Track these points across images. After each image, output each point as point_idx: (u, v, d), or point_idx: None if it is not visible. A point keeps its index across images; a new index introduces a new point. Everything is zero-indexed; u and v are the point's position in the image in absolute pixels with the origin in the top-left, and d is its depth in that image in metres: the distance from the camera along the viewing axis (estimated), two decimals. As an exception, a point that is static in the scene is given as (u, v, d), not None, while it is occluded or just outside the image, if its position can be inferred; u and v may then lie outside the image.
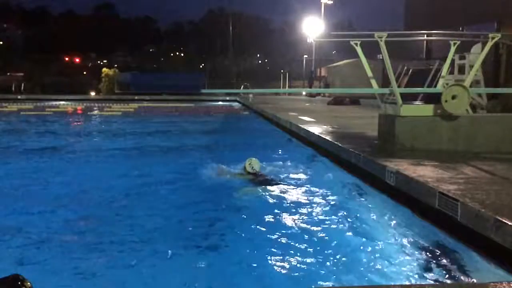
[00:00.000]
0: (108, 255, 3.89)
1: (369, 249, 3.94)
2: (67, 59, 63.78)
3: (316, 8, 43.48)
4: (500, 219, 3.23)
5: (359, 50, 6.83)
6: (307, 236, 4.29)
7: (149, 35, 74.62)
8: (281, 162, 7.68)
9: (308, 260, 3.74)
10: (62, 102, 27.77)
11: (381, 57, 7.37)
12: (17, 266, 3.60)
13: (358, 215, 4.89)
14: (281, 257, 3.80)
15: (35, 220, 4.76)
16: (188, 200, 5.59)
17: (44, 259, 3.80)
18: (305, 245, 4.08)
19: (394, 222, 4.55)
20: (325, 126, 10.29)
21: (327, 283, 3.37)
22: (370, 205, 5.19)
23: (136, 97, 31.33)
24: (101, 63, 62.58)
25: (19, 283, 1.84)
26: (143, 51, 72.08)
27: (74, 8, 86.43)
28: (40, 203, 5.40)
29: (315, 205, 5.33)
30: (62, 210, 5.13)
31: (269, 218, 4.82)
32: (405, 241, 4.07)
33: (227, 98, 30.45)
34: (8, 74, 40.24)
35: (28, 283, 1.86)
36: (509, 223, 3.15)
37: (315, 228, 4.53)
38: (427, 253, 3.76)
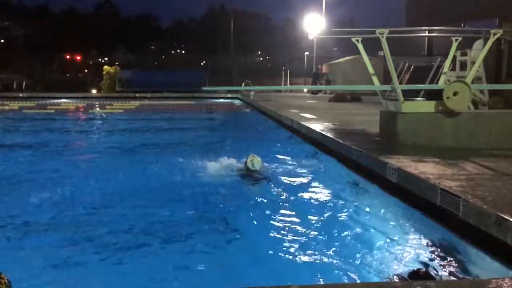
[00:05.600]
0: (107, 252, 3.89)
1: (370, 246, 3.94)
2: (68, 57, 63.75)
3: (317, 5, 43.42)
4: (502, 215, 3.23)
5: (360, 46, 6.81)
6: (307, 233, 4.29)
7: (150, 32, 74.47)
8: (282, 159, 7.69)
9: (308, 257, 3.75)
10: (63, 100, 27.78)
11: (382, 54, 7.36)
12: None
13: (359, 212, 4.89)
14: (281, 254, 3.81)
15: (32, 217, 4.78)
16: (188, 197, 5.59)
17: (30, 254, 3.82)
18: (305, 241, 4.08)
19: (396, 219, 4.55)
20: (327, 123, 10.28)
21: (323, 279, 3.37)
22: (371, 202, 5.19)
23: (137, 95, 31.33)
24: (102, 61, 62.59)
25: None
26: (144, 48, 72.01)
27: (75, 6, 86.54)
28: (40, 200, 5.41)
29: (315, 202, 5.34)
30: (60, 208, 5.14)
31: (269, 214, 4.83)
32: (406, 238, 4.07)
33: (229, 96, 30.42)
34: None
35: (5, 278, 1.85)
36: (511, 220, 3.15)
37: (315, 225, 4.54)
38: (429, 250, 3.76)
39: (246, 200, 5.44)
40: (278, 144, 9.72)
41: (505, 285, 2.17)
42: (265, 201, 5.39)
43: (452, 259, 3.56)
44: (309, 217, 4.79)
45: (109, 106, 22.91)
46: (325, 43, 45.37)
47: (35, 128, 13.72)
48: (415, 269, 3.04)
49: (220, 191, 5.83)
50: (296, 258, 3.73)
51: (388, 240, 4.07)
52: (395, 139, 6.66)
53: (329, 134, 8.18)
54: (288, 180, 6.36)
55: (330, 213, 4.92)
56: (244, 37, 61.62)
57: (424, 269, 3.07)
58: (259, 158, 6.52)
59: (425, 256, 3.67)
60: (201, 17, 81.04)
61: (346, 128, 9.38)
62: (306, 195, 5.63)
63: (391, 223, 4.49)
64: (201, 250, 3.94)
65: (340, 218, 4.73)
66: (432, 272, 3.26)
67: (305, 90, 36.21)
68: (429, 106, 6.68)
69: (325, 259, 3.72)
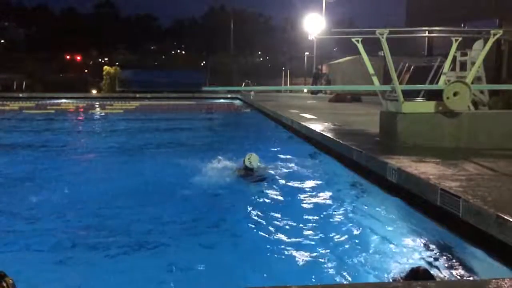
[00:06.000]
0: (106, 252, 3.89)
1: (370, 246, 3.94)
2: (68, 57, 63.72)
3: (317, 5, 43.44)
4: (502, 215, 3.23)
5: (360, 47, 6.82)
6: (307, 233, 4.30)
7: (150, 32, 74.49)
8: (282, 160, 7.69)
9: (307, 257, 3.75)
10: (63, 100, 27.77)
11: (382, 54, 7.37)
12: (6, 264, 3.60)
13: (359, 212, 4.89)
14: (280, 253, 3.81)
15: (31, 217, 4.78)
16: (187, 196, 5.59)
17: (32, 255, 3.81)
18: (304, 241, 4.09)
19: (396, 219, 4.55)
20: (327, 123, 10.28)
21: (324, 279, 3.37)
22: (371, 202, 5.19)
23: (137, 95, 31.33)
24: (103, 61, 62.57)
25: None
26: (144, 48, 72.01)
27: (75, 6, 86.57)
28: (40, 200, 5.42)
29: (315, 202, 5.34)
30: (59, 208, 5.14)
31: (269, 214, 4.83)
32: (406, 238, 4.07)
33: (229, 96, 30.43)
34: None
35: (10, 280, 1.86)
36: (511, 220, 3.15)
37: (315, 225, 4.54)
38: (429, 250, 3.76)
39: (246, 200, 5.44)
40: (278, 144, 9.72)
41: (505, 285, 2.17)
42: (265, 201, 5.39)
43: (452, 259, 3.56)
44: (309, 217, 4.79)
45: (109, 106, 22.91)
46: (325, 43, 45.34)
47: (35, 128, 13.72)
48: (415, 267, 3.07)
49: (219, 190, 5.84)
50: (296, 258, 3.73)
51: (388, 240, 4.07)
52: (395, 139, 6.66)
53: (329, 134, 8.19)
54: (288, 180, 6.36)
55: (330, 213, 4.92)
56: (244, 37, 61.62)
57: (423, 267, 3.10)
58: (256, 156, 6.56)
59: (425, 256, 3.67)
60: (201, 17, 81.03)
61: (346, 128, 9.39)
62: (306, 195, 5.63)
63: (391, 223, 4.49)
64: (200, 250, 3.95)
65: (340, 218, 4.73)
66: (432, 271, 3.27)
67: (305, 90, 36.22)
68: (429, 107, 6.68)
69: (324, 259, 3.72)
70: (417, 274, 2.93)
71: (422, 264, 3.53)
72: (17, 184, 6.39)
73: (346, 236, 4.21)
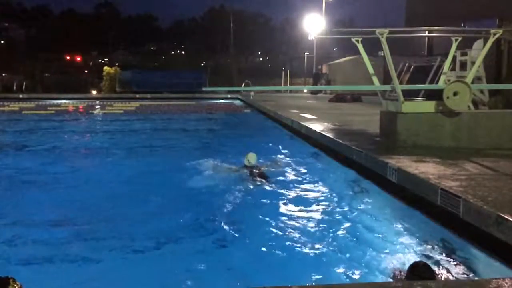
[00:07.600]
0: (107, 254, 3.89)
1: (370, 246, 3.94)
2: (68, 57, 63.72)
3: (317, 5, 43.45)
4: (502, 215, 3.23)
5: (360, 47, 6.82)
6: (307, 233, 4.30)
7: (150, 33, 74.55)
8: (282, 160, 7.70)
9: (307, 257, 3.75)
10: (63, 101, 27.76)
11: (382, 54, 7.37)
12: (10, 266, 3.60)
13: (358, 212, 4.89)
14: (279, 253, 3.81)
15: (33, 219, 4.78)
16: (187, 196, 5.60)
17: (38, 258, 3.81)
18: (304, 241, 4.08)
19: (396, 219, 4.55)
20: (327, 124, 10.28)
21: (324, 279, 3.37)
22: (371, 202, 5.19)
23: (137, 96, 31.30)
24: (102, 62, 62.58)
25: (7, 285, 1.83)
26: (144, 49, 72.05)
27: (75, 7, 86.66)
28: (40, 202, 5.41)
29: (315, 202, 5.34)
30: (61, 209, 5.14)
31: (269, 214, 4.83)
32: (406, 238, 4.07)
33: (229, 96, 30.41)
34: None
35: (17, 285, 1.85)
36: (511, 220, 3.15)
37: (315, 225, 4.54)
38: (429, 250, 3.76)
39: (245, 200, 5.44)
40: (278, 145, 9.71)
41: (505, 285, 2.17)
42: (265, 201, 5.39)
43: (452, 259, 3.56)
44: (309, 217, 4.80)
45: (109, 107, 22.89)
46: (325, 43, 45.39)
47: (35, 129, 13.72)
48: (415, 262, 3.09)
49: (219, 190, 5.84)
50: (295, 257, 3.74)
51: (388, 239, 4.07)
52: (395, 139, 6.66)
53: (329, 134, 8.19)
54: (288, 180, 6.37)
55: (330, 213, 4.92)
56: (244, 37, 61.66)
57: (423, 262, 3.12)
58: (253, 154, 6.70)
59: (425, 256, 3.67)
60: (201, 17, 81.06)
61: (346, 128, 9.38)
62: (306, 196, 5.63)
63: (391, 222, 4.49)
64: (200, 250, 3.95)
65: (339, 218, 4.73)
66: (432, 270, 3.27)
67: (305, 90, 36.21)
68: (429, 106, 6.68)
69: (323, 258, 3.72)
70: (417, 268, 2.94)
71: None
72: (17, 184, 6.39)
73: (346, 236, 4.21)
